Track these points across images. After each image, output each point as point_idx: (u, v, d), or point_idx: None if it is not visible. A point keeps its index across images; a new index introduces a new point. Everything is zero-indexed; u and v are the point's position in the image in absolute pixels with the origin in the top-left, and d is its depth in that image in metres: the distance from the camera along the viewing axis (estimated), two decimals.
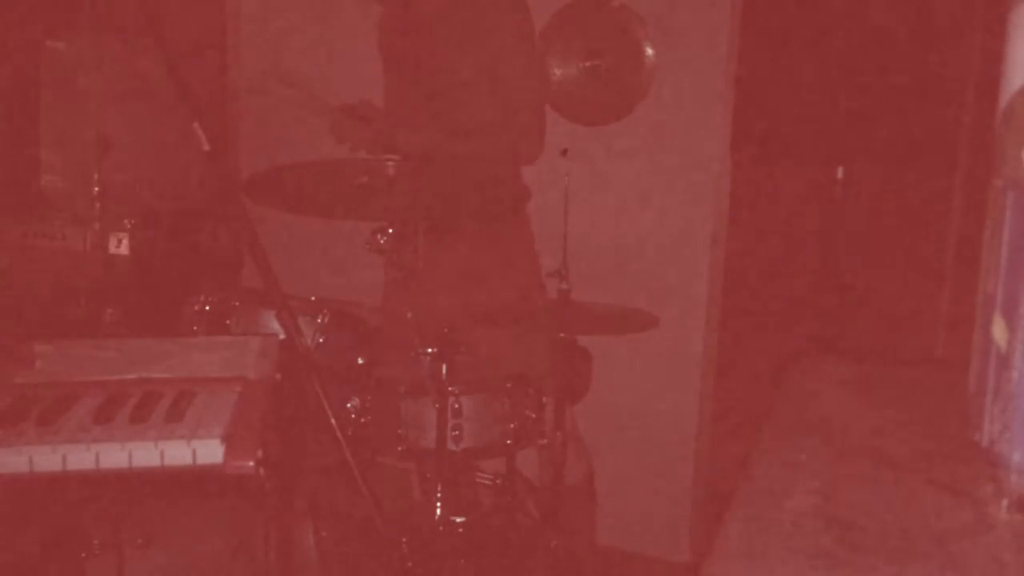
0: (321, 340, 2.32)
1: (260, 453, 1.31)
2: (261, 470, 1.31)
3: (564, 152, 2.26)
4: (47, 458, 1.27)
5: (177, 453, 1.30)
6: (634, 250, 3.18)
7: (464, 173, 2.40)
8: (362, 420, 2.18)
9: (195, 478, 1.33)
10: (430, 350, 2.21)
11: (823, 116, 2.77)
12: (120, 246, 2.93)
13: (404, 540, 2.07)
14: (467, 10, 2.55)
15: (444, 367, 2.14)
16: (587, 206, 3.06)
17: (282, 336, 1.75)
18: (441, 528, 2.18)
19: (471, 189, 2.37)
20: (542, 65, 2.99)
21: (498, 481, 2.36)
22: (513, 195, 2.51)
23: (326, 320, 2.32)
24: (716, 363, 3.22)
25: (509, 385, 2.19)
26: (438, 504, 2.18)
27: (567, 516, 2.42)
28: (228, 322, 2.32)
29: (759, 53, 2.96)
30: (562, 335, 2.27)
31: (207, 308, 2.33)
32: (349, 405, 2.18)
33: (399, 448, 2.17)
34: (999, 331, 0.94)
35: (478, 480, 2.42)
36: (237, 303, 2.33)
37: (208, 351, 1.70)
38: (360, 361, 2.29)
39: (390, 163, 2.17)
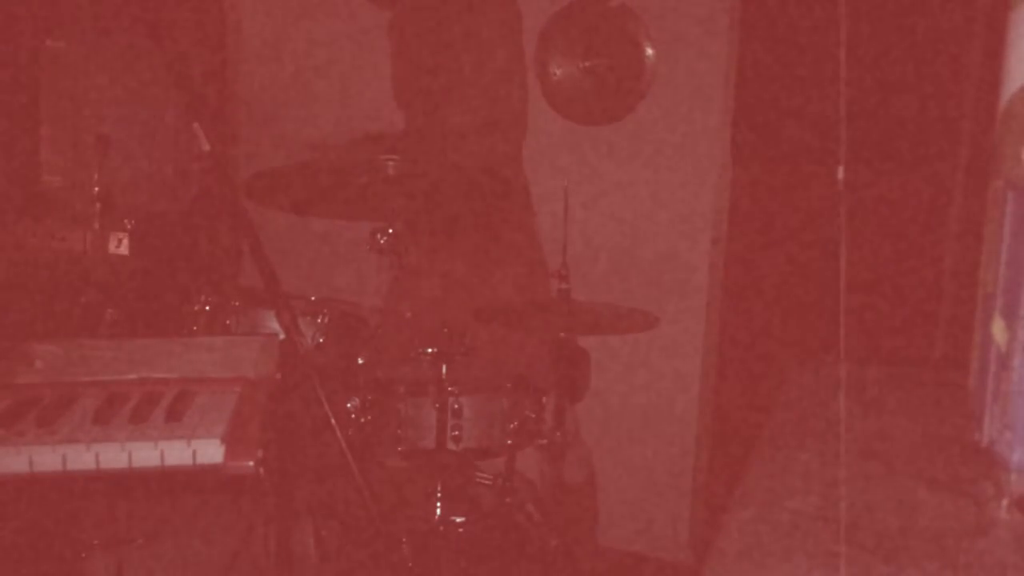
0: (321, 340, 2.32)
1: (260, 453, 1.31)
2: (261, 470, 1.31)
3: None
4: (47, 458, 1.27)
5: (177, 453, 1.30)
6: (634, 250, 3.18)
7: (458, 174, 2.40)
8: (362, 420, 2.18)
9: (195, 478, 1.32)
10: (430, 350, 2.21)
11: (823, 116, 2.77)
12: (120, 246, 2.93)
13: (404, 540, 2.07)
14: (456, 14, 2.56)
15: (444, 367, 2.14)
16: (587, 206, 3.06)
17: (282, 336, 1.75)
18: (441, 528, 2.18)
19: (467, 189, 2.37)
20: (525, 68, 2.98)
21: (498, 481, 2.36)
22: (510, 192, 2.51)
23: (326, 320, 2.32)
24: (716, 363, 3.22)
25: (509, 385, 2.19)
26: (438, 504, 2.18)
27: (568, 517, 2.41)
28: (228, 322, 2.32)
29: (759, 53, 2.96)
30: (562, 335, 2.27)
31: (207, 308, 2.33)
32: (349, 405, 2.18)
33: (399, 448, 2.17)
34: (999, 331, 0.94)
35: (478, 480, 2.42)
36: (237, 303, 2.33)
37: (208, 351, 1.70)
38: (360, 361, 2.29)
39: (390, 163, 2.17)
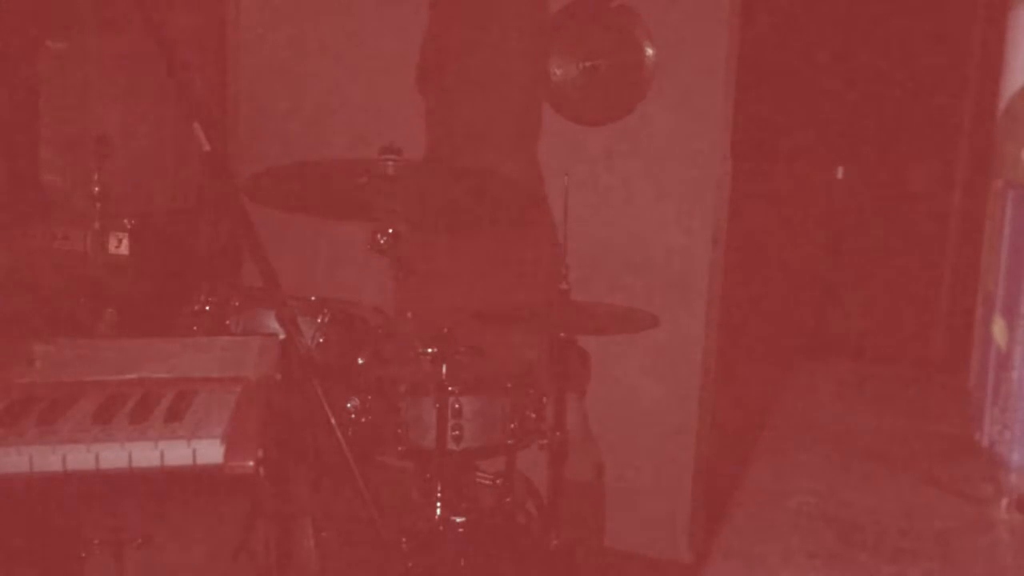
0: (321, 340, 2.31)
1: (260, 453, 1.31)
2: (261, 470, 1.31)
3: None
4: (47, 458, 1.27)
5: (177, 453, 1.30)
6: (634, 250, 3.18)
7: (467, 177, 2.39)
8: (362, 420, 2.18)
9: (195, 478, 1.32)
10: (430, 350, 2.21)
11: (823, 116, 2.77)
12: (120, 246, 2.93)
13: (404, 540, 2.07)
14: (485, 3, 2.56)
15: (444, 367, 2.14)
16: (587, 206, 3.06)
17: (282, 336, 1.75)
18: (441, 528, 2.18)
19: (474, 190, 2.37)
20: (544, 67, 2.98)
21: (498, 481, 2.36)
22: (520, 193, 2.50)
23: (326, 320, 2.32)
24: (716, 363, 3.22)
25: (509, 385, 2.19)
26: (438, 504, 2.18)
27: (576, 514, 2.41)
28: (228, 322, 2.32)
29: (759, 53, 2.96)
30: (562, 335, 2.27)
31: (207, 308, 2.33)
32: (349, 405, 2.18)
33: (399, 448, 2.17)
34: (999, 331, 0.94)
35: (478, 480, 2.41)
36: (237, 303, 2.33)
37: (208, 351, 1.70)
38: (360, 361, 2.29)
39: (390, 163, 2.16)
